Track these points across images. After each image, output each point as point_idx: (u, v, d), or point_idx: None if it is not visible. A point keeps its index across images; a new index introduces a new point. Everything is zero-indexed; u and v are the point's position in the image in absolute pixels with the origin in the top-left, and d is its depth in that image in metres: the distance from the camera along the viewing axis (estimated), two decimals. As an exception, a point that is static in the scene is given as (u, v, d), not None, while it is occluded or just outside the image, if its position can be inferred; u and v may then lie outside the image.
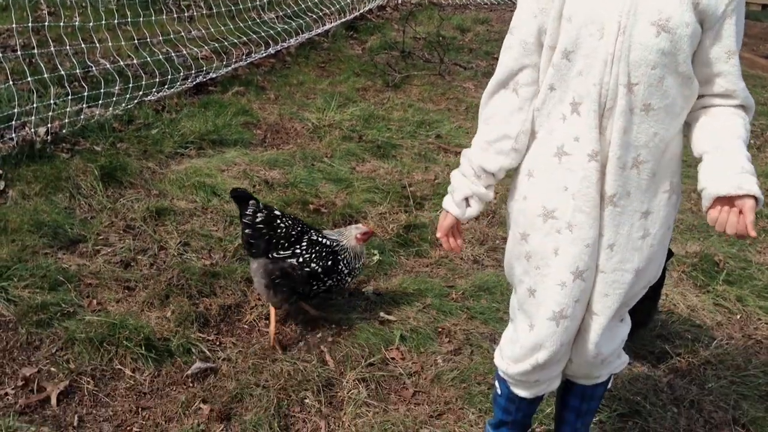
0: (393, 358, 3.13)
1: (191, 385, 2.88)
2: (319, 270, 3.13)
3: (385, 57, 7.50)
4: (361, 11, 8.83)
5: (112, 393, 2.80)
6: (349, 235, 3.23)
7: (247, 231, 3.12)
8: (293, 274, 3.09)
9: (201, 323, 3.22)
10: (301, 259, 3.11)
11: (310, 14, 8.04)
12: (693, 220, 4.59)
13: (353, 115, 5.79)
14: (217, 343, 3.12)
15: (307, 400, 2.85)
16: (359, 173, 4.89)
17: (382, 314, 3.42)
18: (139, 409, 2.74)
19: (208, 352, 3.04)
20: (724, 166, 1.84)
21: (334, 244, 3.19)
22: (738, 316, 3.63)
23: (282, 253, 3.11)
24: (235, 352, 3.07)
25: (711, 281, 3.85)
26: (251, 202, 3.16)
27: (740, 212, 1.80)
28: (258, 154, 5.02)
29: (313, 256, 3.13)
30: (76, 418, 2.66)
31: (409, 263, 3.95)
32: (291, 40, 7.23)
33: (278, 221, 3.15)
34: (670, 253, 2.76)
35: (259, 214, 3.13)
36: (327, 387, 2.92)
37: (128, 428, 2.65)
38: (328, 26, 7.98)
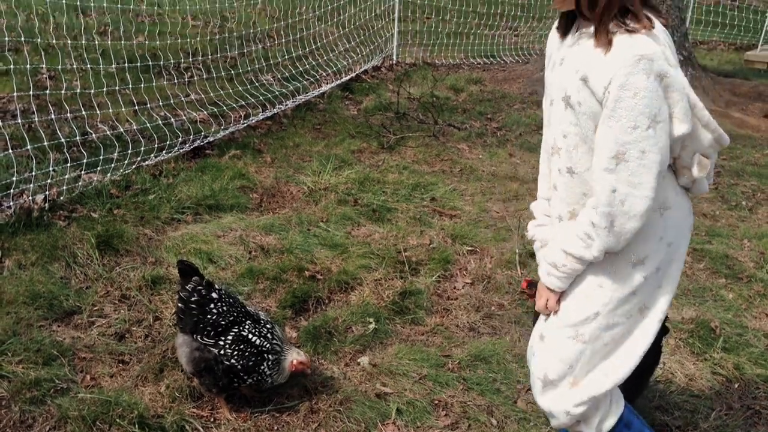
0: (390, 434, 3.11)
1: (185, 464, 2.85)
2: (239, 368, 3.03)
3: (380, 118, 7.61)
4: (357, 72, 8.98)
5: (105, 474, 2.76)
6: (288, 355, 3.13)
7: (179, 305, 3.04)
8: (214, 366, 3.01)
9: (195, 398, 3.19)
10: (222, 352, 3.02)
11: (306, 77, 8.18)
12: (688, 284, 4.61)
13: (349, 178, 5.85)
14: (212, 420, 3.09)
15: (302, 480, 2.81)
16: (354, 238, 4.92)
17: (378, 386, 3.40)
18: (132, 491, 2.70)
19: (202, 430, 3.01)
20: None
21: (264, 345, 3.07)
22: (736, 385, 3.61)
23: (206, 339, 3.02)
24: (230, 429, 3.04)
25: (708, 348, 3.85)
26: (194, 278, 3.06)
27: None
28: (254, 219, 5.05)
29: (236, 352, 3.03)
30: (67, 501, 2.62)
31: (405, 331, 3.94)
32: (287, 102, 7.34)
33: (212, 305, 3.04)
34: (665, 329, 2.77)
35: (195, 293, 3.03)
36: (322, 465, 2.89)
37: None
38: (324, 88, 8.11)
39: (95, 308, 3.78)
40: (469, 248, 4.87)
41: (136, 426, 2.90)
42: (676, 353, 3.82)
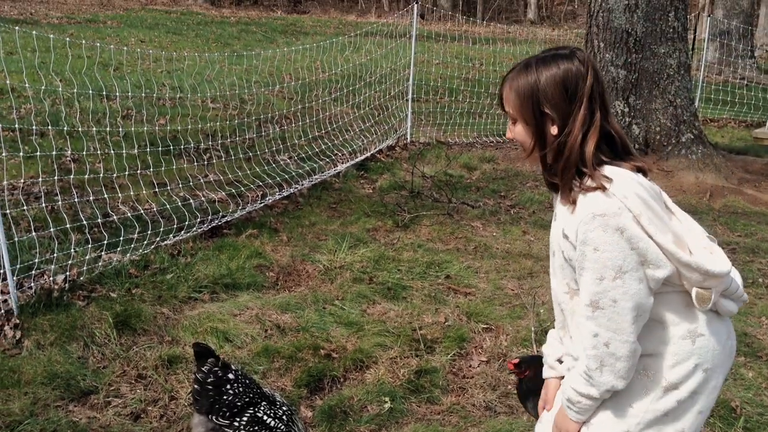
0: None
1: None
2: None
3: (395, 196, 7.73)
4: (372, 152, 9.18)
5: None
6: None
7: (196, 387, 3.06)
8: None
9: (210, 480, 3.17)
10: None
11: (323, 158, 8.37)
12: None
13: (364, 256, 5.91)
14: (226, 503, 3.06)
15: None
16: (370, 316, 4.94)
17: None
18: None
19: None
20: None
21: (279, 427, 3.07)
22: (760, 467, 3.53)
23: (221, 420, 3.03)
24: None
25: (729, 429, 3.78)
26: (210, 360, 3.08)
27: None
28: (270, 298, 5.10)
29: None
30: None
31: (421, 410, 3.91)
32: (304, 182, 7.50)
33: (228, 386, 3.06)
34: None
35: (211, 375, 3.05)
36: None
37: None
38: (339, 168, 8.28)
39: (111, 388, 3.80)
40: (485, 326, 4.87)
41: None
42: (697, 433, 3.75)
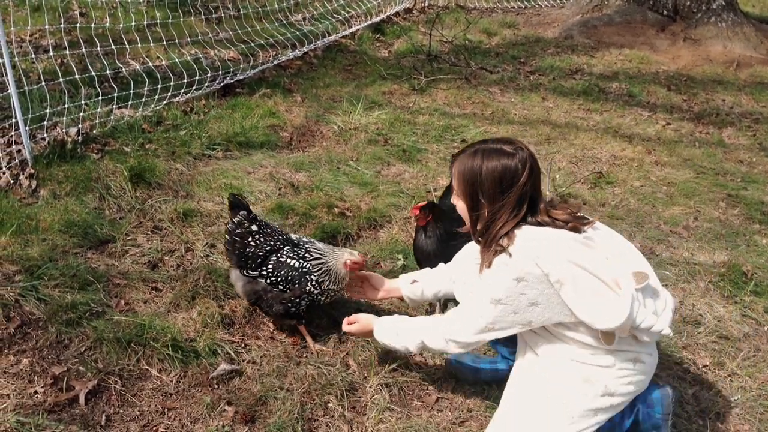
0: (416, 364, 3.14)
1: (216, 386, 2.91)
2: (287, 293, 3.08)
3: (412, 60, 7.51)
4: (388, 14, 8.84)
5: (139, 393, 2.84)
6: (339, 258, 3.14)
7: (226, 237, 3.12)
8: (264, 296, 3.09)
9: (227, 325, 3.25)
10: (267, 281, 3.08)
11: (336, 16, 8.07)
12: (721, 229, 4.54)
13: (379, 118, 5.81)
14: (243, 345, 3.15)
15: (330, 404, 2.86)
16: (384, 177, 4.91)
17: (405, 319, 3.42)
18: (165, 409, 2.77)
19: (233, 354, 3.07)
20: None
21: (304, 266, 3.09)
22: (766, 328, 3.58)
23: (251, 273, 3.09)
24: (259, 355, 3.10)
25: (739, 292, 3.81)
26: (241, 212, 3.10)
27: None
28: (284, 157, 5.06)
29: (279, 279, 3.07)
30: (103, 417, 2.70)
31: (433, 268, 3.95)
32: (318, 42, 7.27)
33: (250, 238, 3.09)
34: None
35: (239, 228, 3.09)
36: (350, 391, 2.94)
37: (154, 428, 2.69)
38: (354, 28, 8.00)
39: (129, 238, 3.84)
40: (499, 189, 4.83)
41: (170, 348, 2.97)
42: (706, 296, 3.79)
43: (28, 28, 5.77)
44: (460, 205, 2.62)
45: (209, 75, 5.81)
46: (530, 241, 2.42)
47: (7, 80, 4.07)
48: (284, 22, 7.47)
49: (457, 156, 2.60)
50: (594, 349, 2.48)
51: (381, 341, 2.87)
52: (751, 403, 3.06)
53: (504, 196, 2.45)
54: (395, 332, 2.82)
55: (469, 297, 2.65)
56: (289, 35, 7.00)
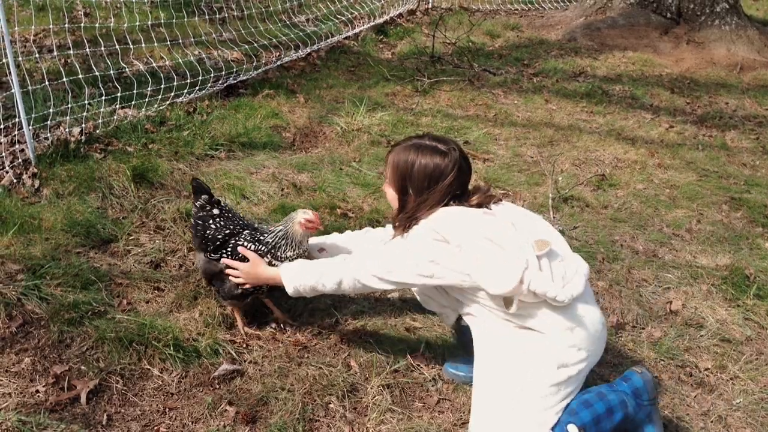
0: (418, 365, 3.14)
1: (218, 386, 2.91)
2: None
3: (415, 62, 7.51)
4: (391, 15, 8.85)
5: (141, 393, 2.84)
6: (293, 218, 3.10)
7: (191, 221, 3.18)
8: (221, 276, 3.11)
9: (228, 325, 3.25)
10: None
11: (339, 17, 8.08)
12: (723, 232, 4.54)
13: (382, 120, 5.81)
14: (244, 346, 3.15)
15: (331, 405, 2.86)
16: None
17: (407, 320, 3.43)
18: (167, 409, 2.77)
19: (234, 354, 3.07)
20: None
21: (261, 249, 3.08)
22: (768, 332, 3.58)
23: (212, 255, 3.13)
24: (261, 355, 3.10)
25: (741, 295, 3.81)
26: (203, 196, 3.16)
27: None
28: (287, 158, 5.06)
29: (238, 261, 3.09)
30: (105, 416, 2.70)
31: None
32: (321, 43, 7.27)
33: (211, 221, 3.14)
34: None
35: (202, 211, 3.15)
36: (352, 392, 2.94)
37: (155, 428, 2.69)
38: (357, 29, 8.01)
39: (131, 237, 3.84)
40: (502, 191, 4.84)
41: (171, 348, 2.97)
42: (708, 299, 3.79)
43: (32, 27, 5.77)
44: (390, 193, 2.82)
45: (212, 75, 5.82)
46: (437, 215, 2.65)
47: (11, 80, 4.08)
48: (288, 23, 7.49)
49: (395, 147, 2.80)
50: (515, 322, 2.60)
51: (294, 285, 2.87)
52: (753, 406, 3.05)
53: (430, 191, 2.67)
54: (309, 272, 2.87)
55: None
56: (292, 36, 7.00)
